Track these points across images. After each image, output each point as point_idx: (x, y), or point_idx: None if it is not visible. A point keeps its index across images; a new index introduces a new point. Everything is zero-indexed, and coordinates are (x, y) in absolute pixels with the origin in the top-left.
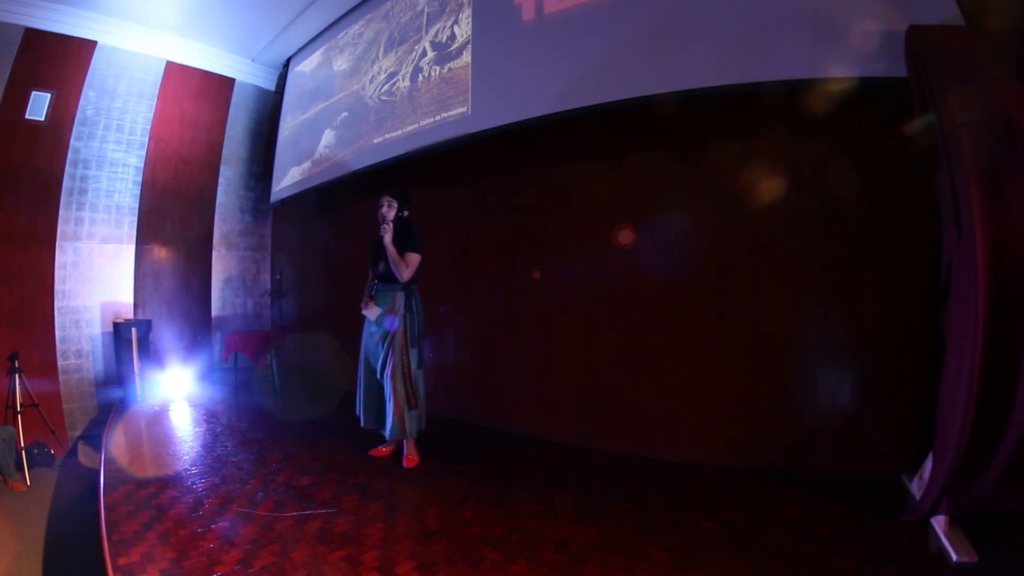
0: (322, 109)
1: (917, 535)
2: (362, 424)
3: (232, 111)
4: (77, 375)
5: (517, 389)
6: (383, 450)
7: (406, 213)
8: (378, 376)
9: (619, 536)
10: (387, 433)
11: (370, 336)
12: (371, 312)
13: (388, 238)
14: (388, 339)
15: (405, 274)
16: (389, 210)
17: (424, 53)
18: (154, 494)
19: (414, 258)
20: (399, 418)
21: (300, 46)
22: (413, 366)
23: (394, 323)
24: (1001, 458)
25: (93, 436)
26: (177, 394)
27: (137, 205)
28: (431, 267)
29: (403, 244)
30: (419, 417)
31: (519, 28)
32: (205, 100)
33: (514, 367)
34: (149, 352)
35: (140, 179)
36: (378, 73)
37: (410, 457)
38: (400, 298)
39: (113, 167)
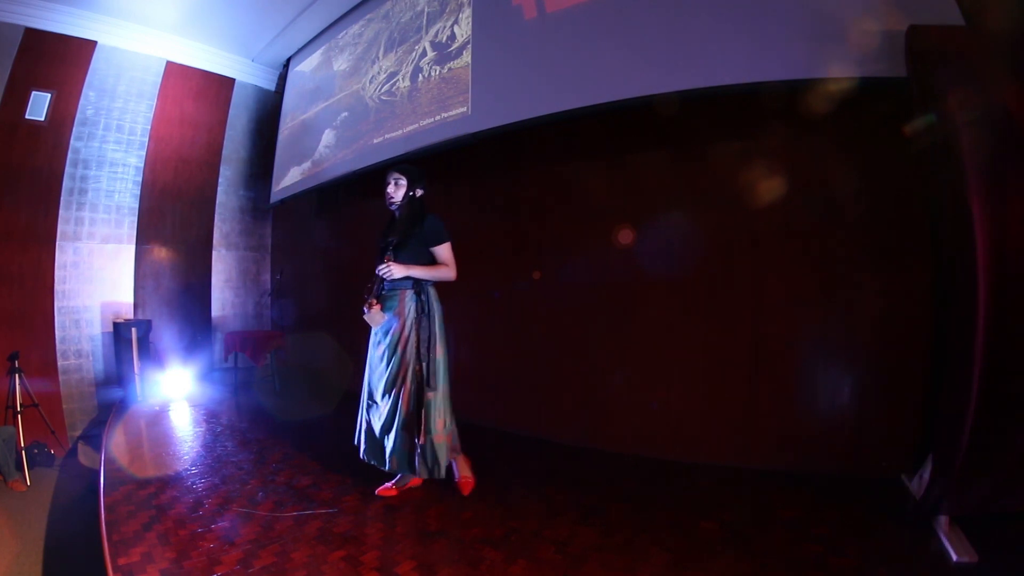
0: (322, 109)
1: (917, 535)
2: (360, 455)
3: (232, 111)
4: (77, 375)
5: (517, 389)
6: (392, 489)
7: (419, 192)
8: (379, 397)
9: (619, 536)
10: (386, 466)
11: (376, 347)
12: (374, 318)
13: (397, 271)
14: (394, 351)
15: (452, 274)
16: (396, 189)
17: (424, 53)
18: (154, 494)
19: (448, 251)
20: (405, 451)
21: (300, 46)
22: (426, 387)
23: (398, 328)
24: (1001, 458)
25: (93, 436)
26: (177, 394)
27: (137, 205)
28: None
29: (424, 238)
30: (433, 453)
31: (519, 28)
32: (205, 100)
33: (514, 367)
34: (149, 352)
35: (140, 179)
36: (378, 73)
37: (464, 480)
38: (409, 298)
39: (113, 167)
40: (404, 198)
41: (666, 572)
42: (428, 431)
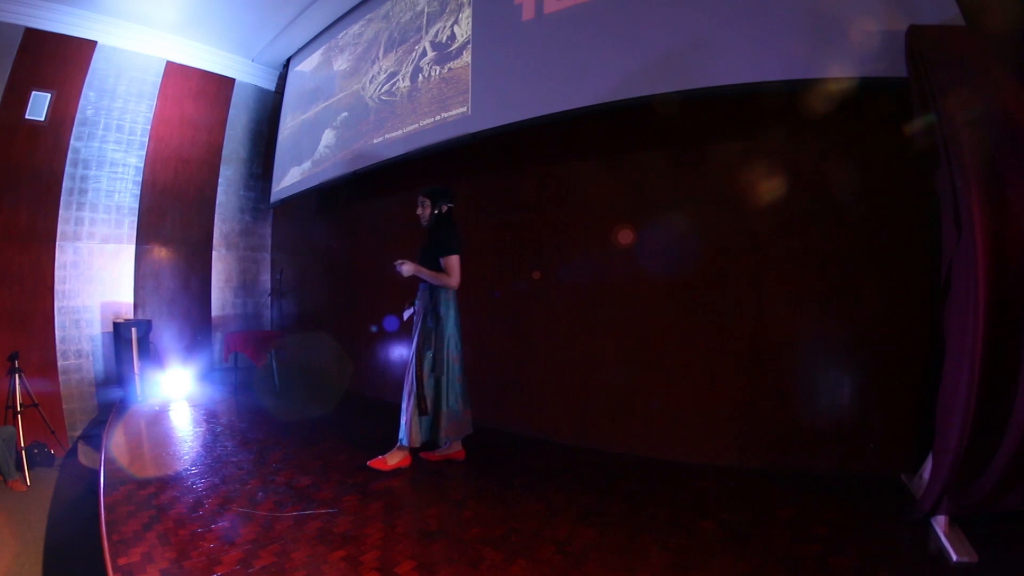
0: (322, 109)
1: (917, 535)
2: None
3: (232, 111)
4: (77, 375)
5: (517, 389)
6: (434, 455)
7: (444, 209)
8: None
9: (619, 536)
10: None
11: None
12: (406, 312)
13: (407, 269)
14: (414, 340)
15: (451, 281)
16: (424, 210)
17: (424, 53)
18: (154, 494)
19: (452, 262)
20: (407, 421)
21: (300, 46)
22: (425, 371)
23: (417, 321)
24: (1001, 458)
25: (93, 436)
26: (177, 394)
27: (137, 205)
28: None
29: (437, 248)
30: (428, 427)
31: (519, 28)
32: (205, 100)
33: (514, 367)
34: (149, 352)
35: (140, 179)
36: (378, 73)
37: (380, 459)
38: (425, 297)
39: (113, 167)
40: (431, 217)
41: (666, 572)
42: (436, 407)
